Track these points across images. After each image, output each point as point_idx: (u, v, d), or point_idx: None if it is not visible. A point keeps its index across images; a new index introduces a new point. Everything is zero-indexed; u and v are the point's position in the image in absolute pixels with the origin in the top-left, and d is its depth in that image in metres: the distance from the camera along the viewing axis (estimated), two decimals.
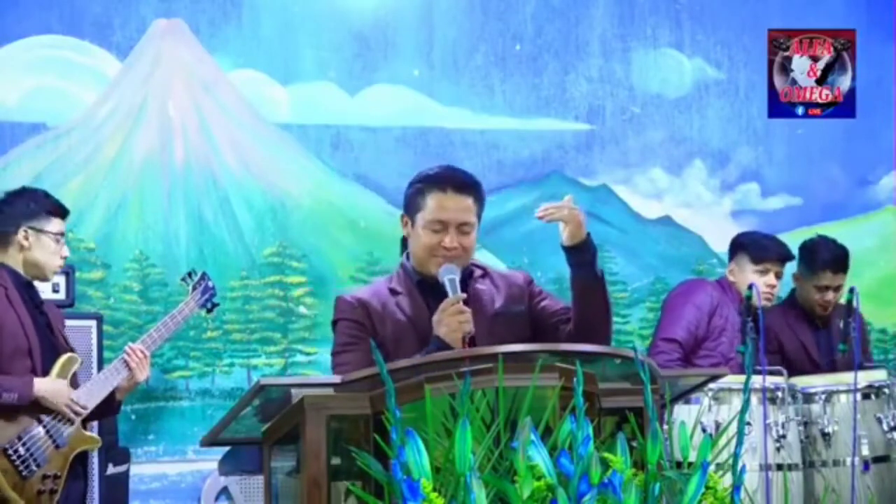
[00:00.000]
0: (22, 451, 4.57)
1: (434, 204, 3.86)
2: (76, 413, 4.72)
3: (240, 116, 6.80)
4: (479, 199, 3.94)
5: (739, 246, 6.02)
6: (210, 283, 5.39)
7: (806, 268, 6.19)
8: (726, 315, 5.85)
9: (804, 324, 6.20)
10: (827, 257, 6.12)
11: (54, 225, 4.86)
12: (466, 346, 3.71)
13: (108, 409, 4.95)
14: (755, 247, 5.96)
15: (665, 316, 6.00)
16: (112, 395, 4.89)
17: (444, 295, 3.82)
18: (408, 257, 3.99)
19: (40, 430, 4.63)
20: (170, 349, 6.53)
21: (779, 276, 5.91)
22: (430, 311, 3.83)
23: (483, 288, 3.96)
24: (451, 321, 3.73)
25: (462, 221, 3.87)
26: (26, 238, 4.79)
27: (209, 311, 5.41)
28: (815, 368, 5.97)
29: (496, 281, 4.01)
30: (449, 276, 3.81)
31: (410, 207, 3.93)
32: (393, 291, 3.93)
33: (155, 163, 6.55)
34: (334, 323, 3.95)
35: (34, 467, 4.58)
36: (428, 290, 3.89)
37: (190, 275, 5.42)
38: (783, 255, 5.97)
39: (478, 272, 4.00)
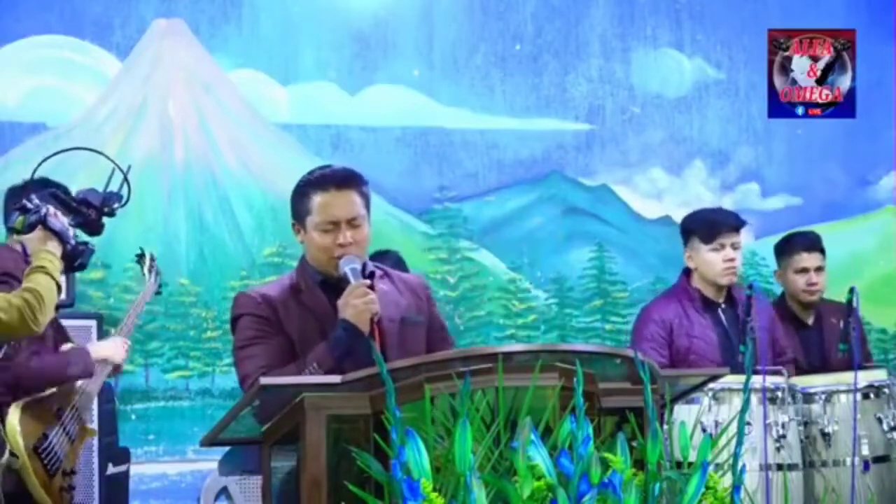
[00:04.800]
0: (49, 448, 4.51)
1: (320, 205, 3.86)
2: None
3: (240, 116, 6.80)
4: (363, 192, 3.93)
5: (688, 230, 5.71)
6: (156, 265, 5.39)
7: (782, 259, 6.14)
8: (685, 330, 5.56)
9: (790, 326, 6.10)
10: (797, 240, 6.14)
11: None
12: (374, 326, 3.75)
13: None
14: (702, 225, 5.64)
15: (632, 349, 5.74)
16: None
17: None
18: (304, 259, 3.98)
19: (59, 426, 4.59)
20: (170, 349, 6.53)
21: (735, 247, 5.59)
22: (334, 309, 3.82)
23: (385, 288, 3.96)
24: (357, 303, 3.75)
25: (351, 216, 3.86)
26: None
27: (159, 293, 5.40)
28: (801, 370, 5.84)
29: (397, 283, 4.02)
30: (350, 265, 3.83)
31: (298, 214, 3.92)
32: (295, 289, 3.92)
33: (155, 163, 6.55)
34: (235, 319, 3.92)
35: (58, 464, 4.53)
36: (331, 289, 3.88)
37: (142, 256, 5.40)
38: (733, 225, 5.64)
39: (379, 273, 4.00)
